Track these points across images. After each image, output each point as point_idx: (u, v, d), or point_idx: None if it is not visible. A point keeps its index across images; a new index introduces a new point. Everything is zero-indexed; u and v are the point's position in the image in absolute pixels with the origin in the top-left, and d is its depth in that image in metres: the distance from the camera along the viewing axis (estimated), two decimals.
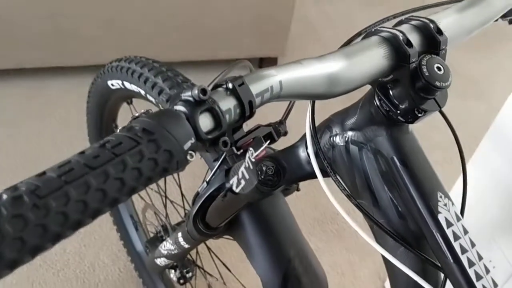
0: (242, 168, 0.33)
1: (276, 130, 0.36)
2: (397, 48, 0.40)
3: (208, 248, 1.02)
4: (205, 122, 0.30)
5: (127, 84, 0.86)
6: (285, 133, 0.46)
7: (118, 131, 0.28)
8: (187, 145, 0.28)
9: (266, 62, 1.99)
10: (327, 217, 1.49)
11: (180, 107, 0.29)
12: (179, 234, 0.74)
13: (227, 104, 0.31)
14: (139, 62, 0.84)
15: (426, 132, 1.26)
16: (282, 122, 0.44)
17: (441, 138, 1.55)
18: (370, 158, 0.47)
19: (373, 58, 0.39)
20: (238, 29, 1.81)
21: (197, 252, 1.02)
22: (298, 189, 0.67)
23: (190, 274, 0.92)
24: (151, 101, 0.83)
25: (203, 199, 0.64)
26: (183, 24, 1.75)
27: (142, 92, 0.83)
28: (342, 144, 0.49)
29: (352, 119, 0.48)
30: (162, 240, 0.96)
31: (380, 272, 1.38)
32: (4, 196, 0.23)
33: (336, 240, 1.45)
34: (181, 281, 0.92)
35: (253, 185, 0.33)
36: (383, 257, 0.49)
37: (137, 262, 1.25)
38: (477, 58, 2.22)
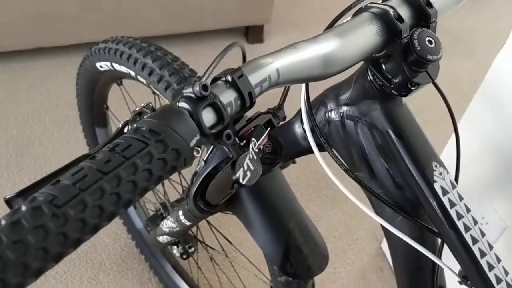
0: (247, 160, 0.33)
1: (275, 116, 0.36)
2: (389, 24, 0.40)
3: (208, 222, 1.04)
4: (208, 117, 0.30)
5: (116, 66, 0.86)
6: (284, 118, 0.46)
7: (125, 131, 0.29)
8: (193, 142, 0.29)
9: (252, 31, 1.97)
10: (322, 183, 1.52)
11: (183, 104, 0.29)
12: (180, 213, 0.75)
13: (227, 97, 0.31)
14: (127, 43, 0.83)
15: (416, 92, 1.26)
16: (280, 107, 0.45)
17: (431, 97, 1.56)
18: (366, 132, 0.48)
19: (366, 36, 0.39)
20: None
21: (197, 227, 1.04)
22: (294, 162, 0.68)
23: (193, 249, 0.94)
24: (141, 82, 0.83)
25: (201, 178, 0.65)
26: None
27: (132, 73, 0.82)
28: (337, 119, 0.49)
29: (346, 94, 0.49)
30: (162, 217, 0.97)
31: (377, 234, 1.41)
32: (23, 208, 0.24)
33: (332, 205, 1.47)
34: (184, 256, 0.94)
35: (258, 175, 0.34)
36: (382, 225, 0.50)
37: (138, 240, 1.27)
38: (462, 14, 2.21)
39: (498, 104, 0.96)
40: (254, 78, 0.32)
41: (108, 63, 0.87)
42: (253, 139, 0.33)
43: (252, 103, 0.32)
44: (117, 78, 0.95)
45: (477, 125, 1.02)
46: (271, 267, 0.80)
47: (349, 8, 0.46)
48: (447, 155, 1.11)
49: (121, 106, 1.09)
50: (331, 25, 0.45)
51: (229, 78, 0.31)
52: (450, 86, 1.91)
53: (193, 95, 0.29)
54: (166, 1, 1.72)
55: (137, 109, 0.33)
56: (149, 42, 0.83)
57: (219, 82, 0.32)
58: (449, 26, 2.15)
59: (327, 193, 1.50)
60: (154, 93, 0.83)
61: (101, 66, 0.89)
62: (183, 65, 0.79)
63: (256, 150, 0.34)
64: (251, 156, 0.34)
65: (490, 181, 0.99)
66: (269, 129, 0.34)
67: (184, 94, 0.30)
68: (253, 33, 1.98)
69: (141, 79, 0.81)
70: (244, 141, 0.33)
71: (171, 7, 1.74)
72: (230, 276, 1.22)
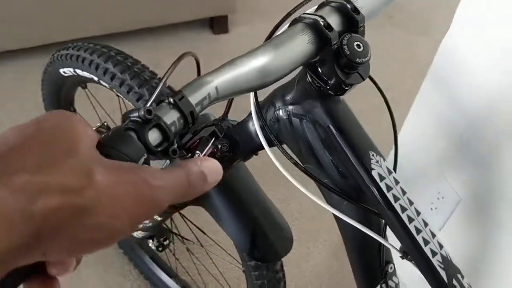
0: None
1: (219, 127, 0.39)
2: (319, 33, 0.44)
3: (181, 215, 1.08)
4: (153, 137, 0.34)
5: (79, 71, 0.88)
6: (228, 128, 0.50)
7: None
8: (141, 161, 0.33)
9: (216, 22, 1.99)
10: (291, 168, 1.56)
11: (130, 127, 0.33)
12: None
13: (171, 117, 0.35)
14: (88, 48, 0.85)
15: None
16: (224, 118, 0.48)
17: (386, 82, 1.62)
18: (310, 128, 0.52)
19: (299, 45, 0.43)
20: None
21: (171, 219, 1.08)
22: (256, 154, 0.72)
23: (167, 241, 0.98)
24: (105, 86, 0.85)
25: None
26: None
27: (95, 78, 0.85)
28: (285, 117, 0.54)
29: (290, 94, 0.53)
30: None
31: None
32: None
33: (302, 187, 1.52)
34: (160, 249, 0.98)
35: None
36: (332, 212, 0.55)
37: None
38: None
39: (448, 83, 1.02)
40: (194, 98, 0.36)
41: (71, 69, 0.89)
42: (197, 151, 0.37)
43: (195, 120, 0.36)
44: (81, 82, 0.97)
45: (429, 104, 1.08)
46: (241, 253, 0.85)
47: (285, 18, 0.50)
48: (404, 135, 1.17)
49: (88, 107, 1.11)
50: (271, 35, 0.49)
51: (171, 100, 0.35)
52: (409, 63, 1.97)
53: (139, 119, 0.33)
54: None
55: (94, 128, 0.37)
56: (110, 47, 0.85)
57: (163, 104, 0.36)
58: (405, 4, 2.21)
59: (297, 177, 1.54)
60: (117, 95, 0.86)
61: (64, 72, 0.92)
62: (144, 68, 0.83)
63: None
64: None
65: (445, 158, 1.06)
66: (213, 139, 0.38)
67: (131, 118, 0.33)
68: (218, 24, 2.00)
69: (104, 84, 0.84)
70: (190, 154, 0.37)
71: (134, 2, 1.75)
72: (207, 264, 1.26)
